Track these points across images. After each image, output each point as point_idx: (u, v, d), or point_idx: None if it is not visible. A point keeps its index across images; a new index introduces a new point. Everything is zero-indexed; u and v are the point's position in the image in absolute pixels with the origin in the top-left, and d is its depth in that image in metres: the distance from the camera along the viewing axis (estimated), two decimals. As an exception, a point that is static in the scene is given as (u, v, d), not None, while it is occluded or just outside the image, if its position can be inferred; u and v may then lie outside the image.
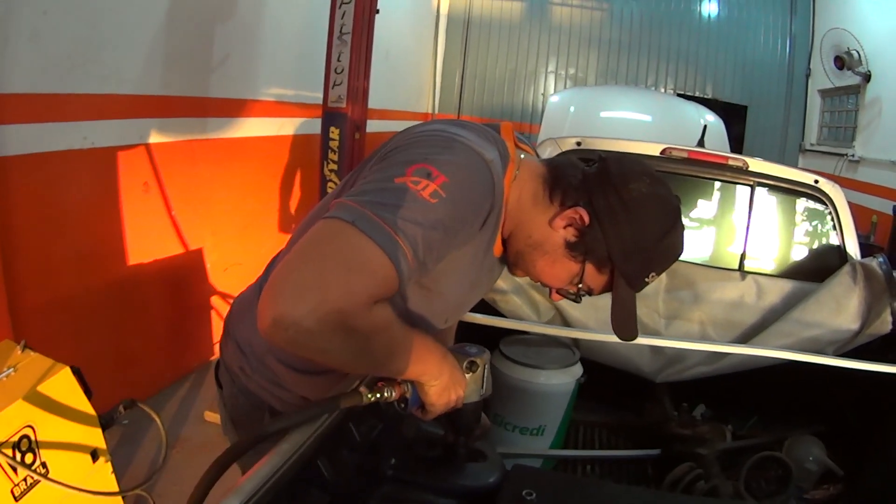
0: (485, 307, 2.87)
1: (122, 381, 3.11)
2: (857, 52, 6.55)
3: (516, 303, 3.01)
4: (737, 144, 6.67)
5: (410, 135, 1.18)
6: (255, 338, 1.40)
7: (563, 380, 2.79)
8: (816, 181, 3.12)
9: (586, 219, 1.20)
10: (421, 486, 1.39)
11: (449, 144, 1.11)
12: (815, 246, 3.23)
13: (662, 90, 8.65)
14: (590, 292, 1.31)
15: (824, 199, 3.12)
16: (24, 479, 1.93)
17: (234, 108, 3.89)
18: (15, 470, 1.89)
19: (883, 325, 2.77)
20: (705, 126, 4.04)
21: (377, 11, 3.85)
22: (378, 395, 1.15)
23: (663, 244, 1.23)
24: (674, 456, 2.86)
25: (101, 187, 2.94)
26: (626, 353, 3.03)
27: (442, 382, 1.18)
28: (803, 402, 3.10)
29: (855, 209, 3.14)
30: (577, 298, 1.31)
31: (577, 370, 2.84)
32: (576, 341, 3.04)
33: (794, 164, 5.67)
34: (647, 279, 1.27)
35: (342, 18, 3.74)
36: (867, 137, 6.66)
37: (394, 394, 1.17)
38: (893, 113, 6.17)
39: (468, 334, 1.40)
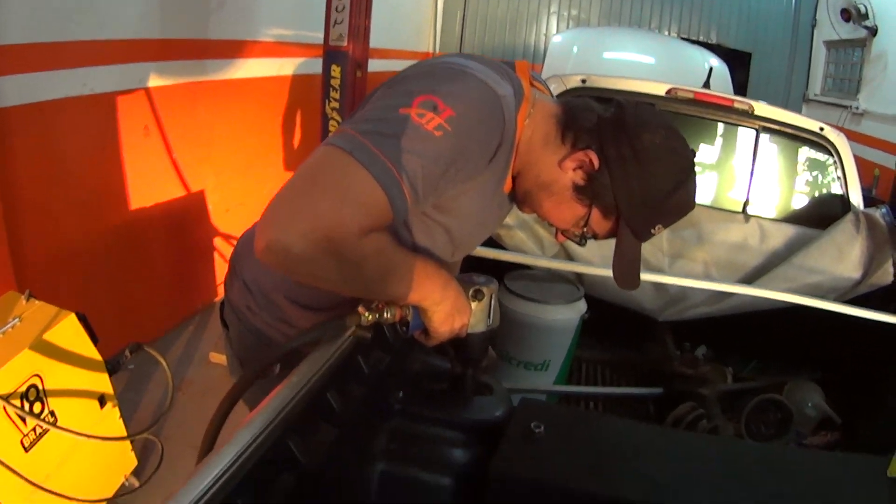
0: (489, 242, 2.87)
1: (127, 326, 3.13)
2: (865, 5, 6.43)
3: (521, 238, 3.03)
4: (740, 91, 6.59)
5: (421, 66, 1.16)
6: (262, 275, 1.40)
7: (567, 315, 2.80)
8: (822, 128, 3.10)
9: (596, 163, 1.18)
10: (428, 420, 1.41)
11: (459, 77, 1.08)
12: (818, 194, 3.22)
13: (666, 34, 8.50)
14: (594, 236, 1.30)
15: (829, 146, 3.11)
16: (34, 430, 1.96)
17: (234, 49, 3.83)
18: (24, 420, 1.91)
19: (885, 275, 2.79)
20: (711, 69, 3.99)
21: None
22: (378, 316, 1.15)
23: (672, 199, 1.21)
24: (676, 395, 2.89)
25: (101, 133, 2.91)
26: (630, 292, 3.03)
27: (445, 308, 1.18)
28: (803, 348, 3.12)
29: (857, 162, 3.13)
30: (581, 241, 1.31)
31: (582, 306, 2.85)
32: (580, 277, 3.05)
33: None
34: (652, 231, 1.26)
35: (343, -44, 3.69)
36: (872, 91, 6.59)
37: (394, 315, 1.17)
38: (900, 67, 6.10)
39: (473, 269, 1.39)
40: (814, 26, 8.18)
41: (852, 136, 3.13)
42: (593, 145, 1.19)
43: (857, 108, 6.66)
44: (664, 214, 1.24)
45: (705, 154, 3.26)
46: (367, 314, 1.13)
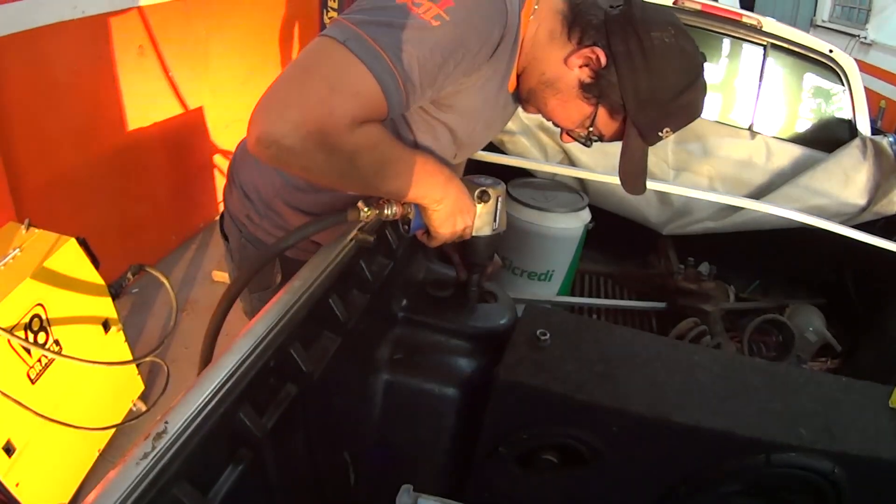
0: (492, 149, 2.83)
1: (129, 248, 3.12)
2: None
3: (524, 144, 2.99)
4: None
5: None
6: (261, 182, 1.38)
7: (571, 224, 2.78)
8: (831, 51, 3.02)
9: (603, 60, 1.14)
10: (432, 328, 1.40)
11: None
12: (826, 117, 3.15)
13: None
14: (600, 137, 1.26)
15: (838, 70, 3.04)
16: (39, 360, 1.95)
17: (228, -39, 3.69)
18: (29, 352, 1.90)
19: (890, 204, 2.76)
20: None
21: None
22: (378, 212, 1.13)
23: (681, 100, 1.17)
24: (679, 310, 2.90)
25: (95, 56, 2.84)
26: (634, 203, 3.02)
27: (447, 207, 1.16)
28: (806, 271, 3.13)
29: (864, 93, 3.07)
30: (587, 142, 1.27)
31: (586, 215, 2.83)
32: (584, 187, 3.02)
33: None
34: (660, 133, 1.22)
35: None
36: (882, 21, 6.44)
37: (395, 212, 1.15)
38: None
39: (476, 173, 1.36)
40: (826, -53, 7.90)
41: (859, 67, 3.06)
42: (600, 42, 1.14)
43: (865, 37, 6.50)
44: (672, 115, 1.20)
45: (710, 71, 3.15)
46: (366, 209, 1.11)
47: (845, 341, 2.88)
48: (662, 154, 3.05)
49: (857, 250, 2.45)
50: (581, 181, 3.01)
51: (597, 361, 1.35)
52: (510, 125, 2.92)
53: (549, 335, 1.33)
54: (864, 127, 3.02)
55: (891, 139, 2.89)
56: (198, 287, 3.36)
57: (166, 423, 0.77)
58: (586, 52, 1.14)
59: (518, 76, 1.23)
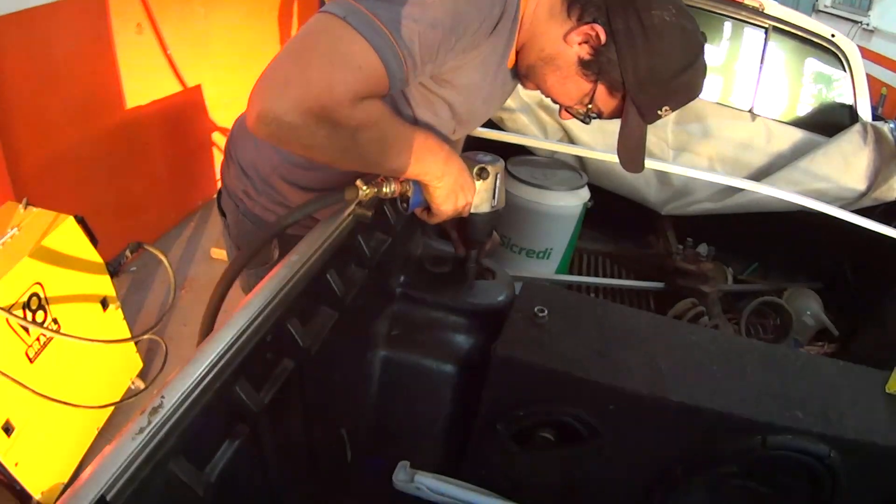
0: (491, 126, 2.82)
1: (128, 226, 3.11)
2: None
3: (523, 122, 2.98)
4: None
5: None
6: (259, 158, 1.37)
7: (570, 202, 2.77)
8: (833, 35, 3.01)
9: (602, 37, 1.13)
10: (431, 304, 1.40)
11: None
12: (826, 101, 3.14)
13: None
14: (599, 115, 1.25)
15: (839, 54, 3.02)
16: (38, 339, 1.94)
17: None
18: (27, 331, 1.89)
19: (889, 191, 2.75)
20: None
21: None
22: (376, 190, 1.12)
23: (681, 79, 1.16)
24: (677, 290, 2.90)
25: (93, 35, 2.82)
26: (634, 182, 3.02)
27: (447, 184, 1.16)
28: (805, 255, 3.12)
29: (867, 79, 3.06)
30: (585, 119, 1.26)
31: (585, 193, 2.82)
32: (583, 165, 3.02)
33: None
34: (659, 112, 1.21)
35: None
36: (885, 8, 6.42)
37: (394, 190, 1.14)
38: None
39: (476, 150, 1.35)
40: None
41: (861, 53, 3.05)
42: (600, 19, 1.13)
43: (867, 24, 6.47)
44: (671, 94, 1.19)
45: (712, 53, 3.15)
46: (365, 188, 1.10)
47: (842, 326, 2.89)
48: (662, 134, 3.03)
49: (856, 235, 2.44)
50: (580, 159, 3.01)
51: (595, 339, 1.35)
52: (510, 102, 2.90)
53: (546, 312, 1.33)
54: (864, 112, 3.01)
55: (891, 125, 2.88)
56: (196, 265, 3.36)
57: (162, 397, 0.76)
58: (586, 28, 1.13)
59: (517, 53, 1.22)
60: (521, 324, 1.32)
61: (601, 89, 1.19)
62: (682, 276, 2.93)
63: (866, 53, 5.97)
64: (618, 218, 3.22)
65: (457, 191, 1.18)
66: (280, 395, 0.97)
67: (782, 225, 2.88)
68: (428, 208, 1.21)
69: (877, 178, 2.80)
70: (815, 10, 7.97)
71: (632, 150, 1.26)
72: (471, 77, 1.17)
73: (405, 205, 1.19)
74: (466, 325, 1.41)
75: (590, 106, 1.22)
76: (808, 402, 1.28)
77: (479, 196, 1.24)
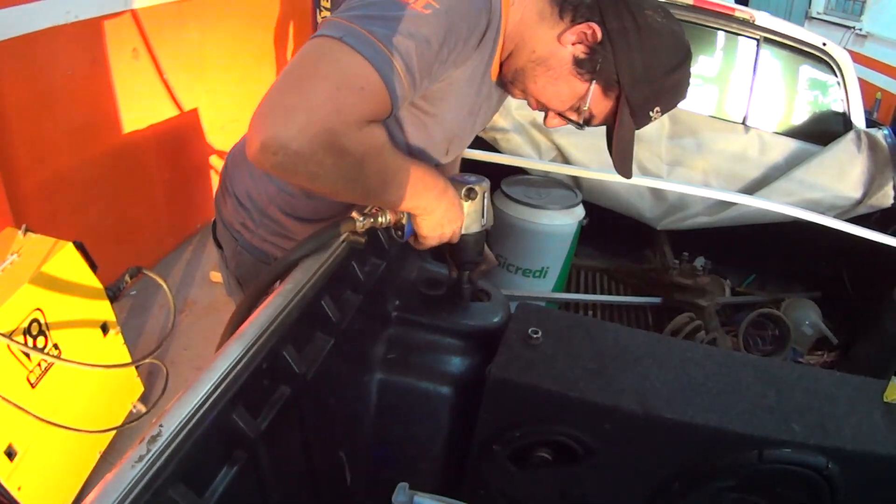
0: (485, 147, 2.85)
1: (127, 251, 3.13)
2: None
3: (517, 141, 3.00)
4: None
5: None
6: (256, 190, 1.38)
7: (565, 220, 2.80)
8: (824, 44, 3.03)
9: (599, 35, 1.14)
10: (426, 327, 1.41)
11: None
12: (820, 110, 3.16)
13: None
14: (589, 120, 1.26)
15: (831, 63, 3.05)
16: (39, 364, 1.95)
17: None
18: (28, 356, 1.90)
19: (885, 197, 2.77)
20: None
21: None
22: (372, 220, 1.13)
23: (672, 78, 1.19)
24: (674, 305, 2.91)
25: (90, 60, 2.85)
26: (628, 198, 3.04)
27: (436, 217, 1.17)
28: (802, 265, 3.13)
29: (859, 84, 3.07)
30: (578, 124, 1.26)
31: (580, 211, 2.85)
32: (577, 183, 3.03)
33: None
34: (651, 113, 1.23)
35: None
36: (877, 13, 6.44)
37: (389, 220, 1.16)
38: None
39: (469, 171, 1.37)
40: (820, -60, 7.90)
41: (855, 58, 3.07)
42: (594, 18, 1.15)
43: (860, 29, 6.51)
44: (663, 93, 1.21)
45: (705, 65, 3.18)
46: (361, 219, 1.11)
47: (842, 334, 2.89)
48: (656, 149, 3.05)
49: (852, 244, 2.46)
50: (574, 178, 3.02)
51: (589, 359, 1.36)
52: (503, 122, 2.93)
53: (540, 333, 1.34)
54: (858, 119, 3.03)
55: (885, 132, 2.90)
56: (196, 288, 3.37)
57: (161, 425, 0.78)
58: (582, 27, 1.15)
59: (501, 63, 1.23)
60: (515, 346, 1.33)
61: (596, 89, 1.20)
62: (679, 291, 2.95)
63: (860, 58, 6.01)
64: (614, 234, 3.24)
65: (444, 223, 1.20)
66: (278, 421, 0.98)
67: (779, 236, 2.90)
68: (416, 235, 1.22)
69: (872, 185, 2.82)
70: (808, 18, 8.02)
71: (623, 154, 1.27)
72: (460, 92, 1.18)
73: (400, 233, 1.21)
74: (462, 347, 1.42)
75: (584, 109, 1.22)
76: (805, 415, 1.28)
77: (468, 217, 1.26)
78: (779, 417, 1.27)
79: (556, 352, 1.35)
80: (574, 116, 1.25)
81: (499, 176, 2.84)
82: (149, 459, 0.73)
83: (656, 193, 3.05)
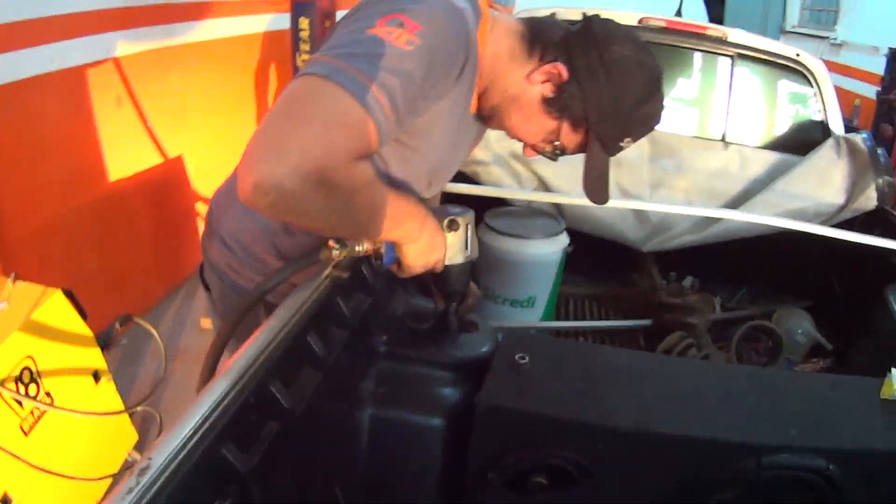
0: (466, 180, 2.87)
1: (116, 298, 3.12)
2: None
3: (498, 173, 3.01)
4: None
5: None
6: (241, 231, 1.39)
7: (550, 249, 2.81)
8: (798, 54, 3.08)
9: (565, 75, 1.18)
10: (415, 361, 1.41)
11: None
12: (798, 120, 3.20)
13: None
14: (563, 151, 1.29)
15: (806, 73, 3.08)
16: (31, 412, 1.94)
17: (199, 10, 3.72)
18: (21, 404, 1.89)
19: (868, 200, 2.79)
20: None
21: None
22: (348, 249, 1.13)
23: (641, 111, 1.21)
24: (665, 325, 2.91)
25: (75, 107, 2.88)
26: (612, 222, 3.04)
27: (420, 246, 1.18)
28: (791, 275, 3.14)
29: (837, 93, 3.11)
30: (552, 156, 1.30)
31: (564, 239, 2.86)
32: (560, 211, 3.05)
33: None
34: (621, 144, 1.26)
35: None
36: (850, 21, 6.57)
37: (366, 248, 1.15)
38: (876, -3, 6.04)
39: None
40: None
41: (831, 67, 3.12)
42: (561, 57, 1.18)
43: (835, 38, 6.62)
44: (632, 126, 1.24)
45: (681, 87, 3.22)
46: (337, 248, 1.11)
47: (836, 340, 2.89)
48: (637, 172, 3.06)
49: (839, 249, 2.46)
50: (557, 206, 3.04)
51: (578, 380, 1.36)
52: (482, 155, 2.95)
53: (527, 358, 1.35)
54: (836, 127, 3.05)
55: (864, 135, 2.93)
56: (187, 335, 3.36)
57: (150, 458, 0.78)
58: (548, 67, 1.18)
59: (479, 96, 1.26)
60: (503, 372, 1.33)
61: (565, 126, 1.24)
62: (669, 311, 2.95)
63: (836, 67, 6.10)
64: (600, 260, 3.24)
65: (427, 252, 1.21)
66: (269, 456, 0.98)
67: (765, 248, 2.90)
68: (399, 264, 1.23)
69: (854, 189, 2.83)
70: (783, 31, 8.16)
71: (597, 182, 1.30)
72: (442, 125, 1.20)
73: (379, 262, 1.21)
74: (452, 378, 1.42)
75: (556, 143, 1.26)
76: (801, 419, 1.29)
77: (451, 248, 1.27)
78: (775, 424, 1.28)
79: (545, 375, 1.35)
80: (548, 148, 1.29)
81: (482, 208, 2.86)
82: (138, 492, 0.73)
83: (640, 216, 3.06)
